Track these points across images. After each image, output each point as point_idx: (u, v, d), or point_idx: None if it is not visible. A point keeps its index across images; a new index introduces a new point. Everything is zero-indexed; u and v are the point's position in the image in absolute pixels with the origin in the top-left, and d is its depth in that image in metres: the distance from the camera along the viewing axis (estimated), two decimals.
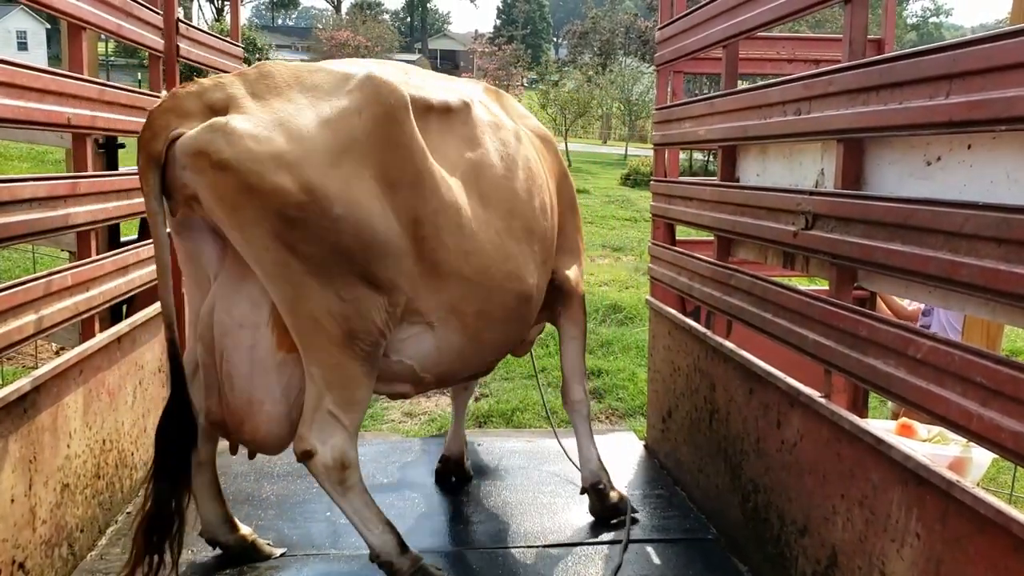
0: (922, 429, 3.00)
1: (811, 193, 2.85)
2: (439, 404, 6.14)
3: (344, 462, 2.95)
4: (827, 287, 2.82)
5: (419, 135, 3.01)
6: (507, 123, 3.55)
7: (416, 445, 4.71)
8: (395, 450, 4.58)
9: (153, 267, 3.91)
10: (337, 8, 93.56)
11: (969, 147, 2.22)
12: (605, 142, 43.28)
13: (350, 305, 2.82)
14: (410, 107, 2.98)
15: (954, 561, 2.12)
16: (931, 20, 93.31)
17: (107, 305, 3.53)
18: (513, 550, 3.50)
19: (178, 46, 4.23)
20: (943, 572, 2.16)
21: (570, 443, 4.17)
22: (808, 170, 3.07)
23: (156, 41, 4.07)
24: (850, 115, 2.58)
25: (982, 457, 2.79)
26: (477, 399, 6.16)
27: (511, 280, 3.36)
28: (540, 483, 4.16)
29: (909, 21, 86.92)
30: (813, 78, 2.81)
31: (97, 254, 3.45)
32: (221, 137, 2.59)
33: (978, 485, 2.24)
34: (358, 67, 2.99)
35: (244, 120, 2.65)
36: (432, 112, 3.13)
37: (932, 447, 2.85)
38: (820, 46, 4.92)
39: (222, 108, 2.69)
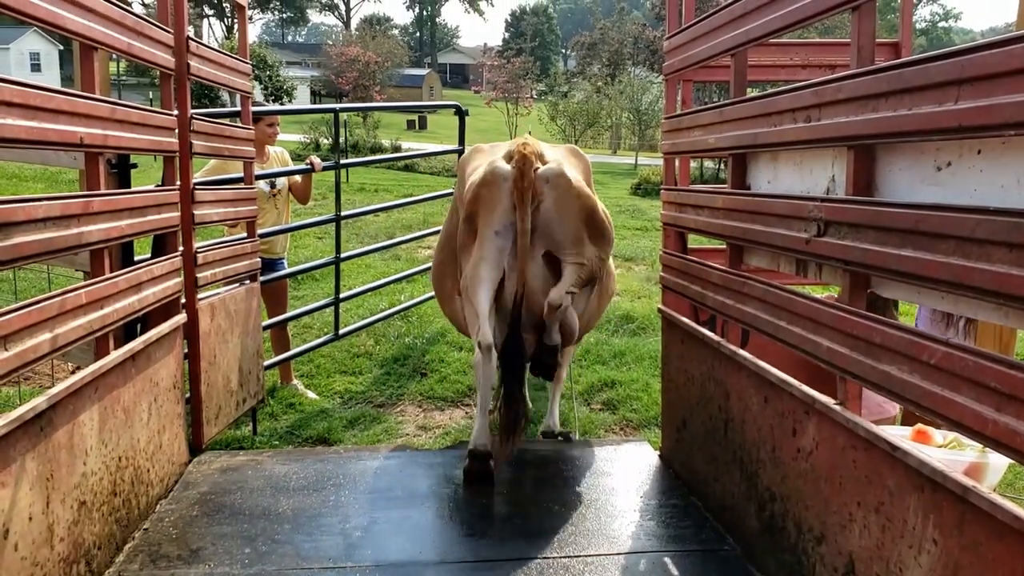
0: (938, 435, 2.98)
1: (822, 200, 2.85)
2: (452, 418, 6.14)
3: (567, 311, 4.43)
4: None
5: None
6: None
7: (430, 458, 4.71)
8: (410, 463, 4.58)
9: (166, 284, 3.98)
10: (347, 24, 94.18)
11: (979, 152, 2.22)
12: (615, 152, 43.28)
13: (597, 255, 4.52)
14: (590, 167, 4.85)
15: (972, 567, 2.11)
16: (940, 25, 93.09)
17: (121, 322, 3.55)
18: (531, 561, 3.49)
19: (189, 64, 4.26)
20: None
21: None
22: (819, 177, 3.07)
23: (167, 59, 4.10)
24: (860, 121, 2.58)
25: (998, 462, 2.77)
26: (491, 411, 6.15)
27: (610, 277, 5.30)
28: (555, 495, 4.15)
29: (919, 26, 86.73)
30: (822, 85, 2.81)
31: (111, 272, 3.47)
32: (566, 170, 4.32)
33: (994, 491, 2.23)
34: (554, 146, 4.85)
35: (565, 164, 4.39)
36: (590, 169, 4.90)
37: (948, 453, 2.83)
38: (835, 51, 4.90)
39: (540, 155, 4.33)
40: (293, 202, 6.76)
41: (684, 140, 4.33)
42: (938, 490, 2.24)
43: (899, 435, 2.58)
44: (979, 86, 2.06)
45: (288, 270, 6.61)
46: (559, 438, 5.19)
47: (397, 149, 26.10)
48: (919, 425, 3.03)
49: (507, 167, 4.26)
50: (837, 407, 2.75)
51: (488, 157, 4.54)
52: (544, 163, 4.31)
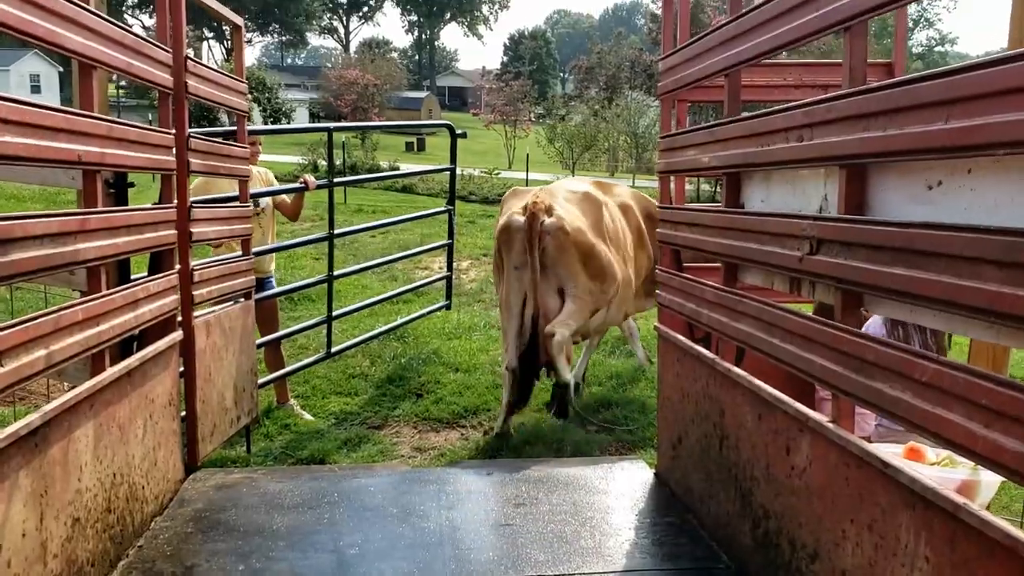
0: (930, 452, 2.98)
1: (815, 218, 2.87)
2: (448, 439, 6.13)
3: (563, 342, 5.63)
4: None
5: (614, 215, 6.26)
6: (609, 202, 6.39)
7: (424, 476, 4.71)
8: (404, 481, 4.58)
9: (162, 301, 3.99)
10: (346, 47, 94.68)
11: (969, 171, 2.23)
12: (612, 174, 43.31)
13: (598, 288, 5.85)
14: (604, 205, 6.14)
15: None
16: (936, 49, 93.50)
17: (118, 339, 3.55)
18: None
19: (187, 83, 4.29)
20: None
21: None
22: (811, 196, 3.09)
23: (166, 79, 4.12)
24: (851, 141, 2.60)
25: (991, 480, 2.77)
26: (486, 433, 6.18)
27: (630, 287, 6.32)
28: (550, 512, 4.15)
29: (915, 50, 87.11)
30: (814, 105, 2.84)
31: (107, 289, 3.48)
32: (564, 222, 5.64)
33: (987, 509, 2.23)
34: (576, 186, 6.38)
35: (567, 214, 5.73)
36: (604, 206, 6.16)
37: (940, 470, 2.84)
38: (827, 71, 4.95)
39: (548, 208, 5.67)
40: (285, 221, 6.79)
41: (679, 159, 4.36)
42: (930, 508, 2.25)
43: (892, 452, 2.58)
44: (969, 106, 2.08)
45: (279, 288, 6.62)
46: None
47: (395, 170, 26.16)
48: (912, 443, 3.03)
49: (521, 219, 5.67)
50: (830, 425, 2.76)
51: (518, 201, 5.94)
52: (551, 215, 5.65)
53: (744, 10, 3.45)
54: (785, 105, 3.11)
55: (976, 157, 2.17)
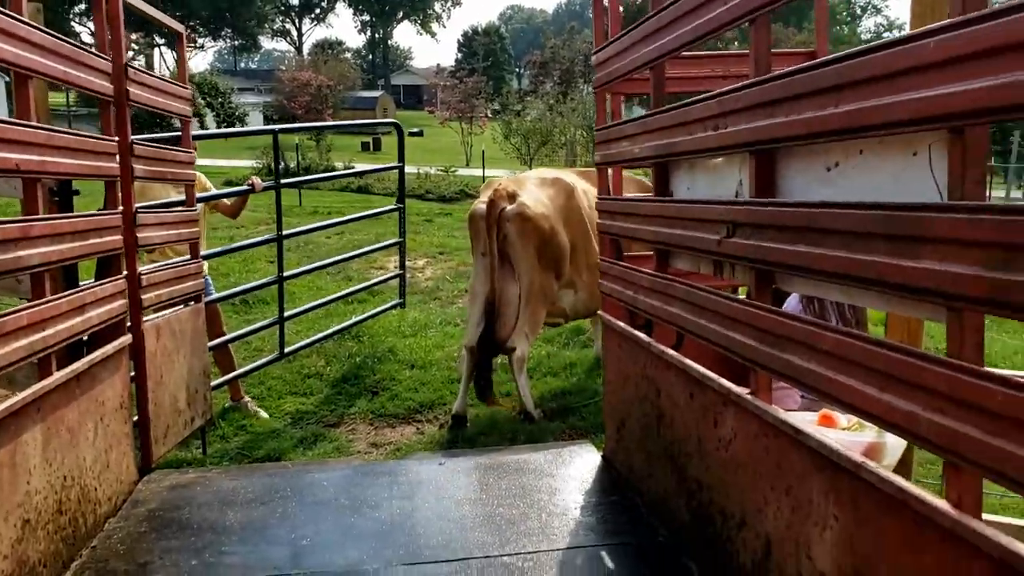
0: (842, 418, 3.14)
1: (730, 203, 3.01)
2: (403, 434, 6.23)
3: (524, 358, 6.16)
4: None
5: (579, 202, 6.41)
6: (589, 190, 6.52)
7: (377, 468, 4.81)
8: (357, 474, 4.68)
9: (110, 306, 4.05)
10: (299, 50, 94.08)
11: (861, 152, 2.38)
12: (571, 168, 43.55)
13: (549, 282, 6.20)
14: (575, 190, 6.43)
15: (867, 539, 2.26)
16: (885, 35, 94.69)
17: (64, 344, 3.61)
18: (472, 561, 3.60)
19: (128, 90, 4.34)
20: (859, 550, 2.30)
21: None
22: (729, 182, 3.23)
23: (105, 86, 4.17)
24: (758, 127, 2.74)
25: (895, 442, 2.93)
26: (441, 427, 6.28)
27: (595, 271, 5.71)
28: (499, 497, 4.27)
29: (864, 36, 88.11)
30: (725, 95, 2.98)
31: (53, 294, 3.54)
32: (526, 208, 5.99)
33: (917, 481, 2.38)
34: (550, 173, 6.66)
35: (531, 200, 6.08)
36: (576, 191, 6.47)
37: (849, 435, 2.99)
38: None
39: (511, 195, 6.03)
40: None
41: (614, 151, 4.49)
42: (837, 470, 2.39)
43: (805, 419, 2.73)
44: (855, 91, 2.22)
45: (221, 294, 6.69)
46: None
47: (350, 170, 26.12)
48: (824, 409, 3.19)
49: (483, 207, 6.05)
50: (749, 397, 2.90)
51: (489, 191, 6.24)
52: (513, 202, 6.02)
53: (663, 5, 3.59)
54: (701, 95, 3.25)
55: (865, 139, 2.32)
